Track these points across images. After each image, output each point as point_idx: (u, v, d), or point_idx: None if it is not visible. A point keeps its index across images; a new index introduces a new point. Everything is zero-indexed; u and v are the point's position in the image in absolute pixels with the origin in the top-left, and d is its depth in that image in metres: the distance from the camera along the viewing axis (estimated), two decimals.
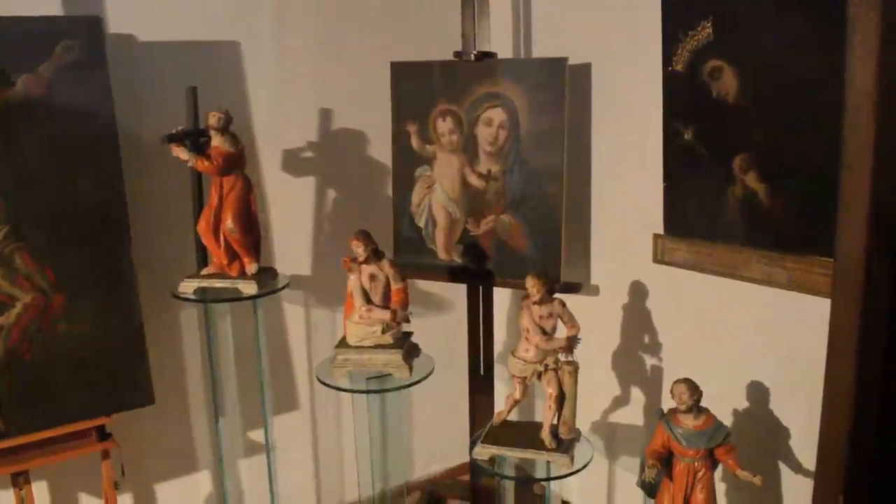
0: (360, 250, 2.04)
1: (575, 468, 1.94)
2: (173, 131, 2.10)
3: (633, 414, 2.52)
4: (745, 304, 2.10)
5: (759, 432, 2.08)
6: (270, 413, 2.39)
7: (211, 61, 2.38)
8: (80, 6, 2.19)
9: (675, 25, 2.05)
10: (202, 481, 2.57)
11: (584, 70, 2.49)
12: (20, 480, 2.14)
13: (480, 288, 2.53)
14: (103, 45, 2.06)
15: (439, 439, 2.98)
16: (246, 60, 2.43)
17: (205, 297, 2.17)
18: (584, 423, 2.08)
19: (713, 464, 1.87)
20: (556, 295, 2.03)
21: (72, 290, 2.05)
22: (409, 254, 2.54)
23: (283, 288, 2.24)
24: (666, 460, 1.89)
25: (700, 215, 2.16)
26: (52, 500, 2.36)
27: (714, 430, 1.84)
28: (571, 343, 2.01)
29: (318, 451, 2.78)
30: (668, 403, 2.30)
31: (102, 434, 2.16)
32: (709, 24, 1.98)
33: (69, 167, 2.03)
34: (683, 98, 2.10)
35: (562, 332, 2.00)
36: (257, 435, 2.52)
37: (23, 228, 2.00)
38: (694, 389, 1.84)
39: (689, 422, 1.86)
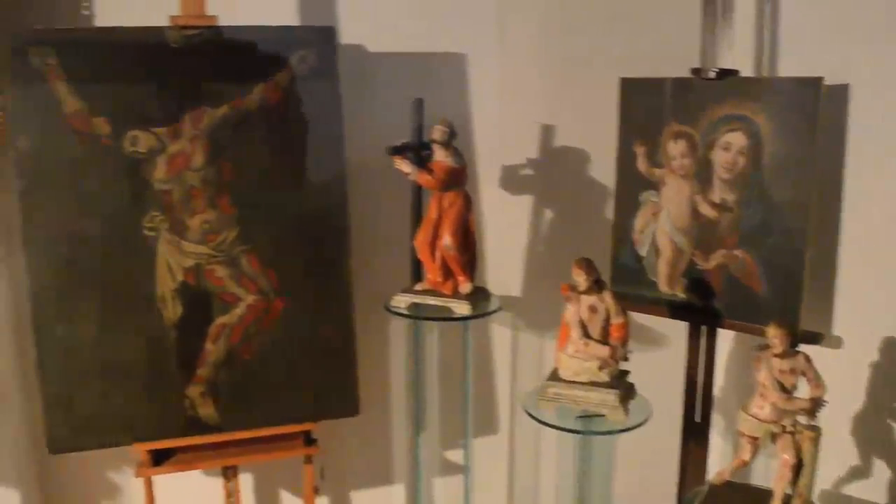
0: (581, 279, 1.91)
1: None
2: (398, 144, 2.08)
3: (873, 489, 2.19)
4: None
5: None
6: (471, 435, 2.32)
7: (436, 73, 2.35)
8: (314, 17, 2.24)
9: None
10: (396, 494, 2.56)
11: (840, 92, 2.20)
12: (230, 473, 2.22)
13: (704, 328, 2.31)
14: (336, 55, 2.08)
15: (643, 486, 2.77)
16: (470, 73, 2.38)
17: (417, 314, 2.14)
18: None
19: None
20: (801, 348, 1.80)
21: (291, 294, 2.09)
22: (627, 284, 2.37)
23: (495, 311, 2.16)
24: None
25: None
26: (255, 494, 2.43)
27: None
28: (815, 405, 1.77)
29: (514, 478, 2.68)
30: None
31: (308, 439, 2.18)
32: None
33: (297, 175, 2.08)
34: None
35: (803, 390, 1.78)
36: (453, 455, 2.46)
37: (251, 232, 2.06)
38: None
39: None
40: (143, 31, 1.97)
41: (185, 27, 1.97)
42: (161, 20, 1.97)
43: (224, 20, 1.99)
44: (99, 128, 1.95)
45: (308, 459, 2.20)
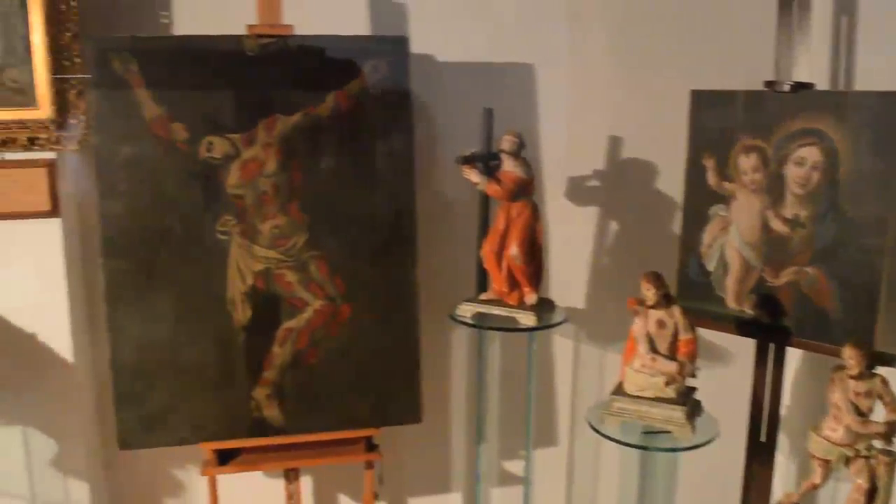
0: (650, 293, 1.89)
1: None
2: (467, 153, 2.09)
3: None
4: None
5: None
6: (532, 446, 2.31)
7: (504, 83, 2.36)
8: (385, 26, 2.27)
9: None
10: (453, 503, 2.56)
11: None
12: (291, 476, 2.25)
13: (772, 346, 2.26)
14: (408, 64, 2.10)
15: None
16: (539, 83, 2.38)
17: (482, 324, 2.14)
18: None
19: None
20: (878, 370, 1.75)
21: (358, 301, 2.12)
22: (694, 299, 2.32)
23: (560, 323, 2.15)
24: None
25: None
26: (314, 497, 2.46)
27: None
28: (892, 430, 1.72)
29: (572, 492, 2.66)
30: None
31: (370, 444, 2.20)
32: None
33: (367, 182, 2.10)
34: None
35: (879, 414, 1.73)
36: (512, 465, 2.46)
37: (320, 238, 2.09)
38: None
39: None
40: (220, 40, 2.01)
41: (261, 36, 2.01)
42: (238, 29, 2.01)
43: (299, 30, 2.03)
44: (177, 133, 2.00)
45: (369, 465, 2.22)
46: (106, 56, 1.97)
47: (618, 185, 2.47)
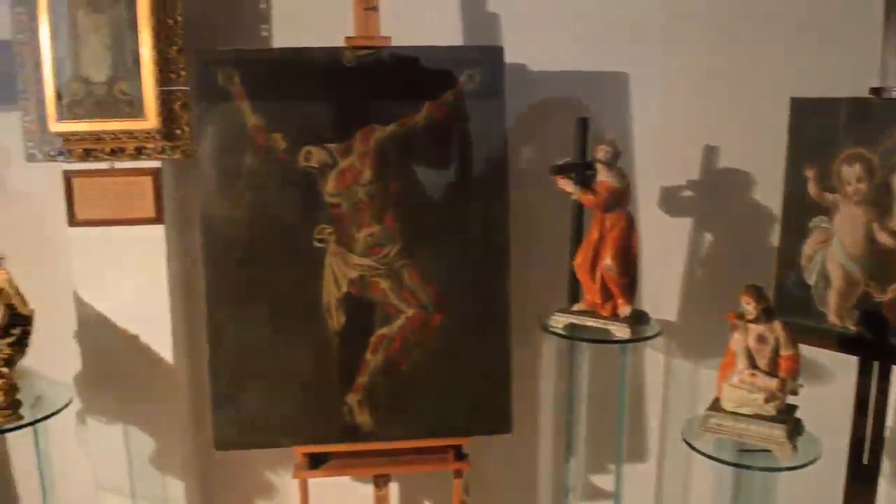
0: (750, 307, 1.84)
1: None
2: (561, 163, 2.08)
3: None
4: None
5: None
6: (623, 461, 2.28)
7: (598, 92, 2.34)
8: (479, 36, 2.28)
9: None
10: None
11: None
12: (381, 482, 2.26)
13: (876, 364, 2.17)
14: (503, 74, 2.10)
15: None
16: (633, 92, 2.36)
17: (574, 335, 2.12)
18: None
19: None
20: None
21: (450, 310, 2.12)
22: (792, 313, 2.24)
23: (655, 336, 2.12)
24: None
25: None
26: (401, 503, 2.48)
27: None
28: None
29: None
30: None
31: (458, 453, 2.21)
32: None
33: (461, 191, 2.11)
34: None
35: None
36: (599, 480, 2.43)
37: (414, 246, 2.11)
38: None
39: None
40: (318, 52, 2.06)
41: (358, 48, 2.04)
42: (336, 41, 2.05)
43: (395, 41, 2.06)
44: (276, 143, 2.05)
45: (458, 474, 2.22)
46: (210, 69, 2.04)
47: (713, 196, 2.42)
